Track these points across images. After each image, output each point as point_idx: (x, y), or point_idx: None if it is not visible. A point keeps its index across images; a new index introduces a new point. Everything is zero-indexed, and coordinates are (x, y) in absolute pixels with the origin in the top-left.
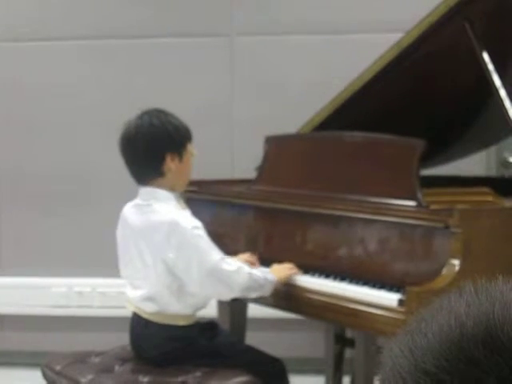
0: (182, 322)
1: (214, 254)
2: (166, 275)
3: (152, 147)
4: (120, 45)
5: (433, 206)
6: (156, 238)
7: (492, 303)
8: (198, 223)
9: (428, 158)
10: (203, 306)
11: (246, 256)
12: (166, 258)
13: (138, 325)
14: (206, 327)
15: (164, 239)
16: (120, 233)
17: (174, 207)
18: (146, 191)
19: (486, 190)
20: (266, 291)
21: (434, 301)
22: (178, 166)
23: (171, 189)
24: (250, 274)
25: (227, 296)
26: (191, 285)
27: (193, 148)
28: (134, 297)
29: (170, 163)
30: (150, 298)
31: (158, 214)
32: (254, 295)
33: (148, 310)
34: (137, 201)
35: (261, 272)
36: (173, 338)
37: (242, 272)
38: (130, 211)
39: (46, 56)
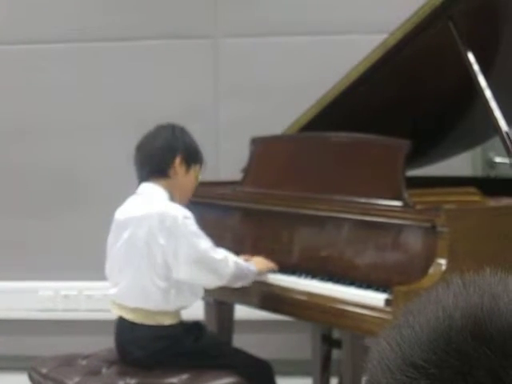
0: (166, 321)
1: (203, 242)
2: (152, 265)
3: (166, 146)
4: (104, 47)
5: (419, 206)
6: (144, 228)
7: (480, 295)
8: (188, 213)
9: (414, 159)
10: (187, 306)
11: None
12: (155, 246)
13: (123, 328)
14: (192, 328)
15: (154, 228)
16: (111, 233)
17: (165, 200)
18: (143, 186)
19: (472, 189)
20: (249, 281)
21: (422, 294)
22: (183, 175)
23: (169, 193)
24: (236, 262)
25: (215, 283)
26: (179, 271)
27: (200, 172)
28: (116, 292)
29: (178, 167)
30: (130, 290)
31: (149, 204)
32: (238, 284)
33: (129, 304)
34: (132, 197)
35: (245, 263)
36: (158, 337)
37: (229, 261)
38: (122, 207)
39: (32, 59)
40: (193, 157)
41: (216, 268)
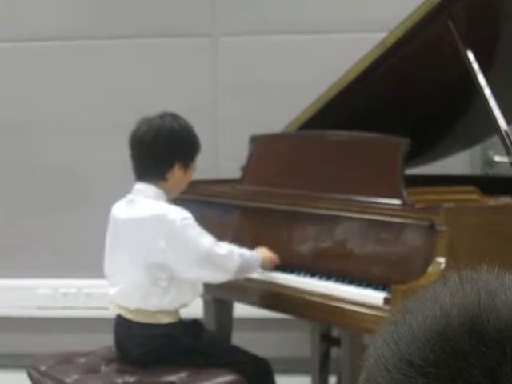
0: (165, 320)
1: (206, 239)
2: (153, 267)
3: (167, 153)
4: (102, 45)
5: (418, 205)
6: (144, 230)
7: (477, 293)
8: (187, 214)
9: (413, 157)
10: (187, 303)
11: None
12: (155, 249)
13: (122, 326)
14: (191, 326)
15: (153, 231)
16: (109, 230)
17: (163, 202)
18: (140, 187)
19: (471, 188)
20: (254, 270)
21: (419, 291)
22: (182, 176)
23: (166, 193)
24: (241, 254)
25: (222, 278)
26: (186, 272)
27: (197, 161)
28: (115, 293)
29: (177, 172)
30: (130, 292)
31: (147, 207)
32: (244, 276)
33: (129, 305)
34: (128, 196)
35: (249, 252)
36: (157, 336)
37: (234, 254)
38: (119, 207)
39: (30, 58)
40: (192, 156)
41: (222, 263)
